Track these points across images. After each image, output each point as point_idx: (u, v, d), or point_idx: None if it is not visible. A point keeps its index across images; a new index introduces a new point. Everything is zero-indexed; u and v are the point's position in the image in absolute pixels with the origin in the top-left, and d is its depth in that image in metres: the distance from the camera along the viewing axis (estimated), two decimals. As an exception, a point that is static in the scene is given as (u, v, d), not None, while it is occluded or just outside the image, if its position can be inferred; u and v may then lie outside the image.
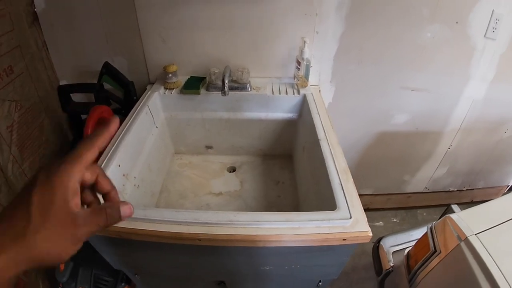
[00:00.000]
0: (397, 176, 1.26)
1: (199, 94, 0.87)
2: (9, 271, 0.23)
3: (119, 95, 0.94)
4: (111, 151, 0.67)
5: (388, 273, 0.85)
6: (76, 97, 0.98)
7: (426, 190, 1.32)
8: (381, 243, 0.91)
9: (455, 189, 1.33)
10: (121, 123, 0.78)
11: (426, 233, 0.75)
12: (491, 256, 0.58)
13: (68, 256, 0.26)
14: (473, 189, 1.34)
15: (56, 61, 0.95)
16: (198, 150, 1.01)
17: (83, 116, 1.00)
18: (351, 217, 0.53)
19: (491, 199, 0.74)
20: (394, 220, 1.39)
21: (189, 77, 0.92)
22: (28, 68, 0.87)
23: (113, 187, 0.32)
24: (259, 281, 0.74)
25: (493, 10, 0.84)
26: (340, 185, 0.59)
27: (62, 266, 0.89)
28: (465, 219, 0.67)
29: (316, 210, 0.56)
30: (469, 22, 0.86)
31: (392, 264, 0.85)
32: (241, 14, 0.83)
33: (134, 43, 0.89)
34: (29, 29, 0.88)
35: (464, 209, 0.72)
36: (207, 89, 0.89)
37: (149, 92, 0.89)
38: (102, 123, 0.79)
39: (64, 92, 0.89)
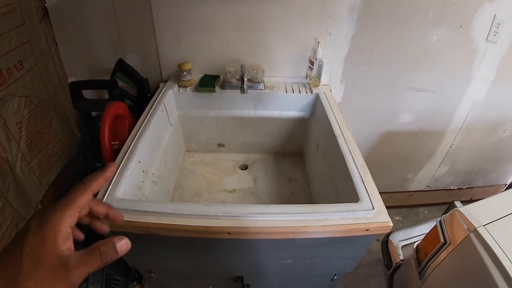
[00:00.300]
0: (401, 175, 1.30)
1: (215, 92, 0.88)
2: None
3: (132, 92, 0.94)
4: (130, 147, 0.68)
5: (398, 266, 0.87)
6: (86, 94, 0.97)
7: (428, 188, 1.36)
8: (390, 238, 0.94)
9: (456, 187, 1.38)
10: (136, 121, 0.79)
11: (435, 226, 0.78)
12: (499, 246, 0.62)
13: None
14: (472, 187, 1.39)
15: (65, 58, 0.94)
16: (210, 148, 1.01)
17: (93, 114, 0.99)
18: (373, 208, 0.55)
19: (490, 197, 0.78)
20: (397, 218, 1.43)
21: (203, 75, 0.93)
22: (38, 63, 0.86)
23: (109, 207, 0.34)
24: (277, 276, 0.75)
25: (494, 15, 0.89)
26: (361, 179, 0.61)
27: (72, 266, 0.87)
28: (473, 212, 0.70)
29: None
30: (472, 26, 0.91)
31: (401, 258, 0.87)
32: (257, 15, 0.84)
33: (148, 40, 0.90)
34: (39, 24, 0.87)
35: (465, 207, 0.75)
36: (222, 87, 0.90)
37: (163, 90, 0.89)
38: (118, 118, 0.79)
39: (76, 88, 0.88)
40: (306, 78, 0.95)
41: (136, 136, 0.71)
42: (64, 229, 0.27)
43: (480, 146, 1.22)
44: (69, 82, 0.95)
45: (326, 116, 0.80)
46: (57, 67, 0.95)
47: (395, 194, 1.37)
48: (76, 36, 0.90)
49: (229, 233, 0.53)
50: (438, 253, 0.74)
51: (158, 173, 0.76)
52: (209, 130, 0.96)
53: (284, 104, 0.92)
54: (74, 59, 0.95)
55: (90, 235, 0.33)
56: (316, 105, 0.90)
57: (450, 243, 0.71)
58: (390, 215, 0.56)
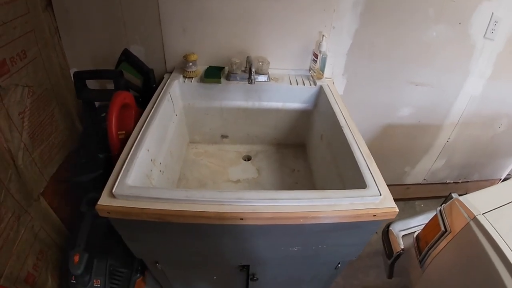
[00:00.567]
0: (399, 168, 1.33)
1: (220, 83, 0.89)
2: None
3: (136, 83, 0.93)
4: (139, 135, 0.68)
5: (399, 255, 0.90)
6: (89, 85, 0.96)
7: (425, 182, 1.40)
8: (391, 228, 0.96)
9: (451, 181, 1.42)
10: (142, 111, 0.78)
11: (435, 215, 0.81)
12: (498, 232, 0.64)
13: None
14: (468, 181, 1.44)
15: (68, 48, 0.94)
16: (214, 139, 1.02)
17: (97, 104, 0.98)
18: (380, 194, 0.57)
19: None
20: (394, 211, 1.45)
21: (208, 66, 0.93)
22: (41, 53, 0.85)
23: None
24: (283, 264, 0.76)
25: (492, 13, 0.92)
26: (367, 166, 0.63)
27: (76, 258, 0.85)
28: (472, 201, 0.73)
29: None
30: (471, 23, 0.93)
31: (402, 247, 0.90)
32: (264, 8, 0.85)
33: (153, 31, 0.89)
34: (43, 14, 0.86)
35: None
36: (227, 79, 0.90)
37: (168, 81, 0.89)
38: (124, 108, 0.78)
39: (80, 78, 0.87)
40: (310, 70, 0.96)
41: (144, 125, 0.71)
42: None
43: (476, 141, 1.26)
44: (71, 72, 0.94)
45: (331, 107, 0.81)
46: (59, 57, 0.93)
47: (393, 187, 1.37)
48: (80, 26, 0.90)
49: (242, 219, 0.54)
50: (439, 241, 0.77)
51: (164, 162, 0.76)
52: (213, 121, 0.97)
53: (289, 96, 0.93)
54: (76, 49, 0.94)
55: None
56: (320, 97, 0.92)
57: (451, 231, 0.74)
58: (387, 208, 0.57)
